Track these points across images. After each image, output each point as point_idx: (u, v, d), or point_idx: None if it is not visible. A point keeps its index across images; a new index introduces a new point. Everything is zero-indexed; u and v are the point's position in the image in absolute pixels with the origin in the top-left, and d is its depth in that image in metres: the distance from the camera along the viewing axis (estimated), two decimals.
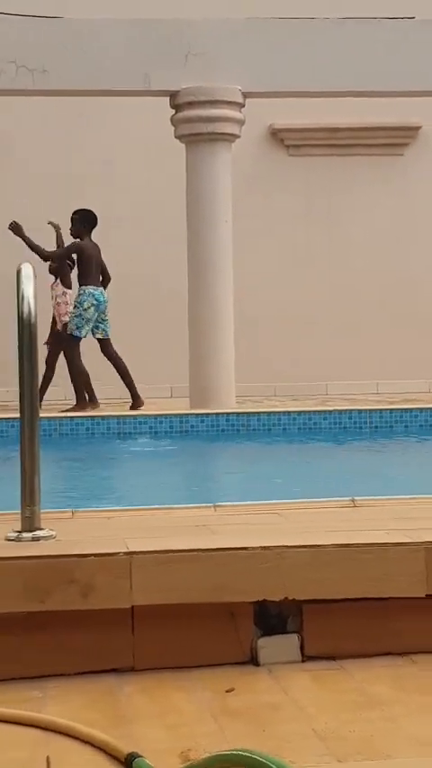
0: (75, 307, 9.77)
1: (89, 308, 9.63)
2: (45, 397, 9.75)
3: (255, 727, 2.35)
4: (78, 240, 9.77)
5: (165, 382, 11.71)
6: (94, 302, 9.65)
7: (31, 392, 3.09)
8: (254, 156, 12.13)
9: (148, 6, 10.99)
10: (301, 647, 2.81)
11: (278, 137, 12.51)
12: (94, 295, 9.67)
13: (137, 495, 5.71)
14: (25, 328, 3.09)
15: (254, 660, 2.78)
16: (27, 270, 3.21)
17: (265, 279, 12.15)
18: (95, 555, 2.76)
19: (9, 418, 8.21)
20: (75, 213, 9.85)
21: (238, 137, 9.57)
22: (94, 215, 9.84)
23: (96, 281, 9.78)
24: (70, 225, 9.83)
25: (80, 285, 9.79)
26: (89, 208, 9.87)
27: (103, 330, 9.79)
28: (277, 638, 2.80)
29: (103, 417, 8.47)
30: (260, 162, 12.30)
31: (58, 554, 2.78)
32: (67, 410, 9.35)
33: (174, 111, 9.50)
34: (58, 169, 12.11)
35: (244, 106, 9.42)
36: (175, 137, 9.62)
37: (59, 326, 10.09)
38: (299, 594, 2.80)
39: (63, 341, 9.91)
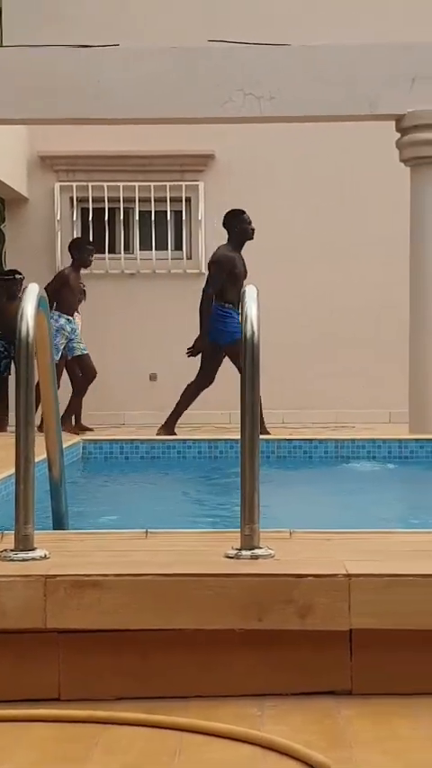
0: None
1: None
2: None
3: None
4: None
5: (383, 407, 11.62)
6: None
7: (252, 411, 3.11)
8: None
9: (372, 30, 10.98)
10: None
11: None
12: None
13: (355, 518, 5.67)
14: (248, 349, 3.11)
15: None
16: (251, 291, 3.25)
17: (272, 302, 11.90)
18: (314, 575, 2.74)
19: (227, 439, 8.32)
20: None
21: None
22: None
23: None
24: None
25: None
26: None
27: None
28: None
29: (321, 441, 8.46)
30: None
31: (276, 573, 2.78)
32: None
33: (399, 135, 9.45)
34: (276, 197, 12.24)
35: None
36: (400, 160, 9.55)
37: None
38: None
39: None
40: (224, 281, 9.44)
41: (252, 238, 9.67)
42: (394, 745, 2.36)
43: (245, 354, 3.12)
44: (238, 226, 9.65)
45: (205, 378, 9.59)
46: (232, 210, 9.84)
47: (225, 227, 9.79)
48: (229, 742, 2.37)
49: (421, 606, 2.71)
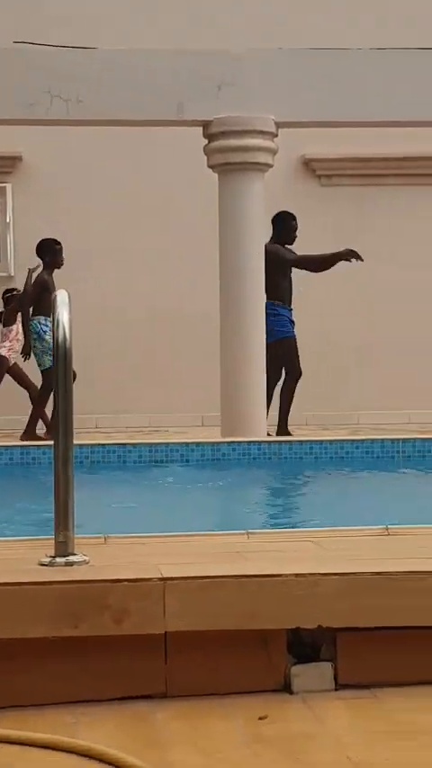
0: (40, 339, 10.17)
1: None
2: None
3: (288, 755, 2.34)
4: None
5: (196, 411, 11.73)
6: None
7: (65, 418, 3.10)
8: (286, 185, 12.17)
9: (182, 37, 11.08)
10: (335, 676, 2.80)
11: (310, 167, 12.54)
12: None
13: (170, 522, 5.71)
14: (60, 354, 3.11)
15: (287, 688, 2.77)
16: (62, 296, 3.24)
17: (296, 308, 12.16)
18: (129, 580, 2.76)
19: (40, 445, 8.25)
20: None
21: (270, 166, 9.60)
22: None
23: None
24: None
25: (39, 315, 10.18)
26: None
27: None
28: (311, 666, 2.79)
29: (134, 445, 8.48)
30: (292, 192, 12.33)
31: (91, 579, 2.78)
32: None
33: (207, 141, 9.55)
34: (85, 200, 12.22)
35: (277, 136, 9.45)
36: (208, 166, 9.66)
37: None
38: (333, 622, 2.79)
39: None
40: (274, 278, 9.72)
41: (291, 242, 10.00)
42: (209, 745, 2.40)
43: (57, 361, 3.12)
44: (284, 226, 9.98)
45: (293, 374, 9.91)
46: (282, 212, 10.13)
47: (273, 224, 10.06)
48: (47, 752, 2.36)
49: (234, 607, 2.76)
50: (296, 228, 10.04)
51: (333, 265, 10.10)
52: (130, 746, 2.35)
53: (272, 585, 2.78)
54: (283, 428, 9.99)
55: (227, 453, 8.20)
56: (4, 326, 11.07)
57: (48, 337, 9.98)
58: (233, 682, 2.76)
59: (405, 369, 12.31)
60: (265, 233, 9.58)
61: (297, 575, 2.80)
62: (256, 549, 3.33)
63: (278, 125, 9.40)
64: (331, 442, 8.51)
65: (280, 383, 9.99)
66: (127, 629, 2.72)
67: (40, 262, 10.31)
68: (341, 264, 10.10)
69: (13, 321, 10.93)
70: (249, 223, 9.47)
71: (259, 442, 8.39)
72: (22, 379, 11.03)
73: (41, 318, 10.16)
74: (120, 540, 3.51)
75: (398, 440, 8.55)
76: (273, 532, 3.76)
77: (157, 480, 7.79)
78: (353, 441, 8.58)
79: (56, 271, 10.19)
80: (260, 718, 2.57)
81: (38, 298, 10.12)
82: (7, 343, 10.95)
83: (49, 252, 10.26)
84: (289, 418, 10.02)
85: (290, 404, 10.03)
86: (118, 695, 2.71)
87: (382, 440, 8.55)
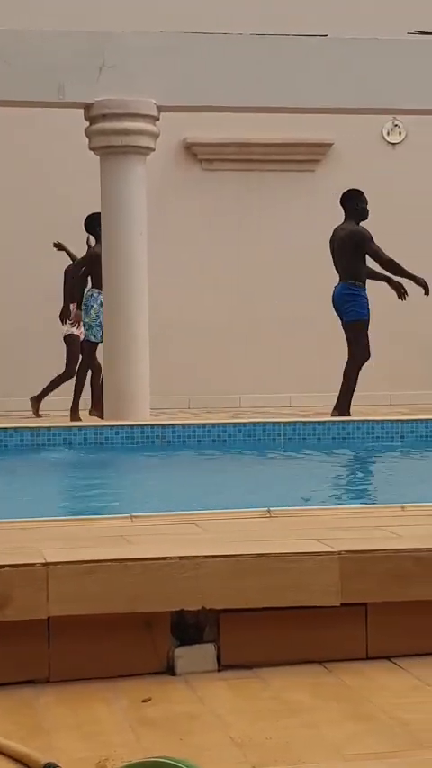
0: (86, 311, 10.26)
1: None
2: None
3: (172, 737, 2.35)
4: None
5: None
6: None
7: None
8: (167, 169, 12.16)
9: (64, 18, 10.97)
10: (218, 657, 2.82)
11: (192, 151, 12.56)
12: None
13: (53, 507, 5.68)
14: None
15: (171, 670, 2.79)
16: None
17: (178, 292, 12.19)
18: (11, 566, 2.74)
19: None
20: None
21: (152, 150, 9.59)
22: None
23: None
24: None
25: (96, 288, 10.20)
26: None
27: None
28: (194, 647, 2.81)
29: (16, 429, 8.41)
30: (174, 175, 12.34)
31: None
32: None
33: (88, 124, 9.49)
34: None
35: (158, 119, 9.44)
36: (90, 149, 9.60)
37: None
38: (216, 604, 2.82)
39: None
40: (354, 259, 9.52)
41: (367, 218, 9.69)
42: (93, 729, 2.40)
43: None
44: (358, 205, 9.68)
45: (361, 357, 9.61)
46: (351, 190, 9.79)
47: (343, 205, 9.79)
48: None
49: (118, 591, 2.76)
50: (367, 203, 9.82)
51: (400, 277, 9.70)
52: (15, 733, 2.34)
53: (156, 568, 2.79)
54: (344, 407, 9.65)
55: (110, 437, 8.19)
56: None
57: (93, 311, 10.16)
58: (117, 665, 2.76)
59: (286, 353, 12.42)
60: (146, 215, 9.54)
61: (181, 557, 2.81)
62: (140, 533, 3.34)
63: (160, 109, 9.40)
64: (214, 425, 8.56)
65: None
66: (10, 615, 2.71)
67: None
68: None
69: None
70: (131, 206, 9.46)
71: (142, 426, 8.40)
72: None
73: (95, 291, 10.21)
74: (2, 525, 3.48)
75: (279, 423, 8.64)
76: (157, 516, 3.77)
77: (39, 465, 7.75)
78: (235, 424, 8.64)
79: None
80: (144, 701, 2.58)
81: (93, 270, 10.15)
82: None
83: (100, 225, 10.04)
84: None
85: (353, 385, 9.73)
86: (1, 681, 2.69)
87: (264, 423, 8.63)
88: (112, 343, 9.52)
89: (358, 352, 9.66)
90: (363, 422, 8.77)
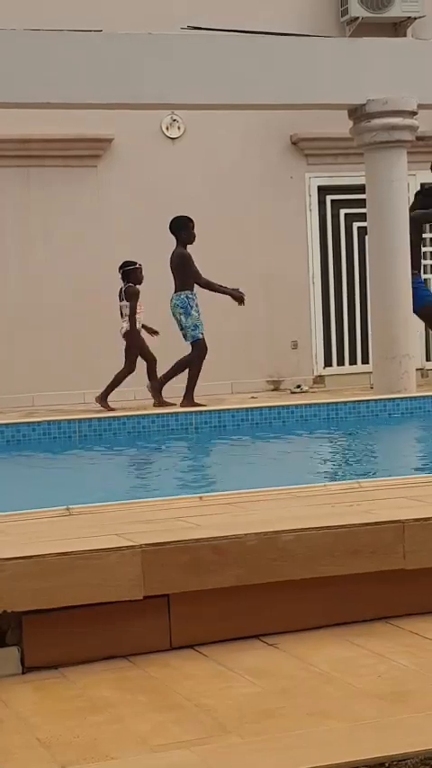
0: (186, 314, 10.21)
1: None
2: None
3: None
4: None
5: None
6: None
7: None
8: None
9: None
10: (22, 659, 2.80)
11: None
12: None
13: None
14: None
15: None
16: None
17: None
18: None
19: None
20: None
21: None
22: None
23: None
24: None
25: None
26: None
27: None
28: None
29: None
30: None
31: None
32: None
33: None
34: None
35: None
36: None
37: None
38: (18, 606, 2.79)
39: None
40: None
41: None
42: None
43: None
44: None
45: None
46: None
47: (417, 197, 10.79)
48: None
49: None
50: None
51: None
52: None
53: None
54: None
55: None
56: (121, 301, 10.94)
57: (194, 312, 10.16)
58: None
59: (77, 349, 12.37)
60: None
61: None
62: None
63: None
64: (7, 425, 8.47)
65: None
66: None
67: None
68: None
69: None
70: None
71: None
72: (142, 351, 10.80)
73: (188, 293, 10.19)
74: None
75: (74, 420, 8.63)
76: None
77: None
78: (29, 423, 8.58)
79: None
80: None
81: (184, 273, 10.17)
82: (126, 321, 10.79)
83: (185, 228, 10.24)
84: None
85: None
86: None
87: (59, 421, 8.60)
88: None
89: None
90: (157, 415, 8.86)
